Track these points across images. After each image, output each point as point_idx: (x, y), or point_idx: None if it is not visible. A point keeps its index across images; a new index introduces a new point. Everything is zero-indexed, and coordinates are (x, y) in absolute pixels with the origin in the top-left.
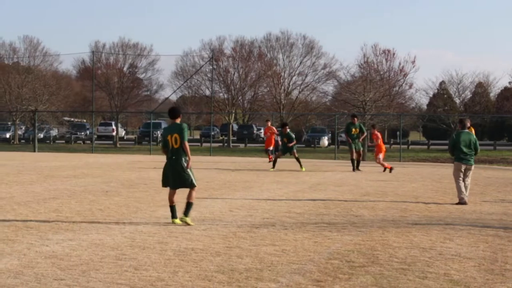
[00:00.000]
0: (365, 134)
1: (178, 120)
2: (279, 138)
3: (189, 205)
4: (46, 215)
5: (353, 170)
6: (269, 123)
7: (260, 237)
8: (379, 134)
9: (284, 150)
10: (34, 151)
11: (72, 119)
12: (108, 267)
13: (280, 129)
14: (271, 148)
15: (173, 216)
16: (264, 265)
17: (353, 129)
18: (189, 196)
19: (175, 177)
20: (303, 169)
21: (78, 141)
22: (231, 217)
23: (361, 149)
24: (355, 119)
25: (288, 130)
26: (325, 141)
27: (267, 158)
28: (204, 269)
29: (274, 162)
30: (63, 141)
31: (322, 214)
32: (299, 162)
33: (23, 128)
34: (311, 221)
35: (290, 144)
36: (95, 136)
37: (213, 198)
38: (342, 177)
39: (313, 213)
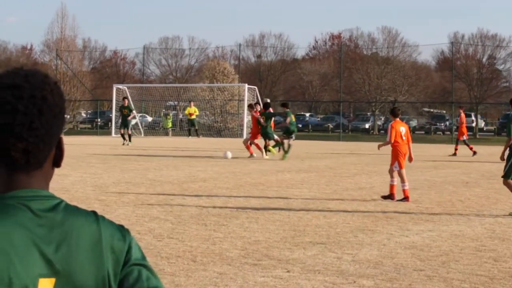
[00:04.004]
0: None
1: None
2: None
3: None
4: (406, 206)
5: None
6: None
7: None
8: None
9: None
10: None
11: (432, 110)
12: (467, 258)
13: None
14: None
15: None
16: None
17: None
18: None
19: None
20: None
21: (438, 132)
22: None
23: None
24: None
25: None
26: (227, 154)
27: None
28: None
29: None
30: (423, 132)
31: None
32: None
33: (383, 119)
34: None
35: None
36: (455, 127)
37: None
38: None
39: None
